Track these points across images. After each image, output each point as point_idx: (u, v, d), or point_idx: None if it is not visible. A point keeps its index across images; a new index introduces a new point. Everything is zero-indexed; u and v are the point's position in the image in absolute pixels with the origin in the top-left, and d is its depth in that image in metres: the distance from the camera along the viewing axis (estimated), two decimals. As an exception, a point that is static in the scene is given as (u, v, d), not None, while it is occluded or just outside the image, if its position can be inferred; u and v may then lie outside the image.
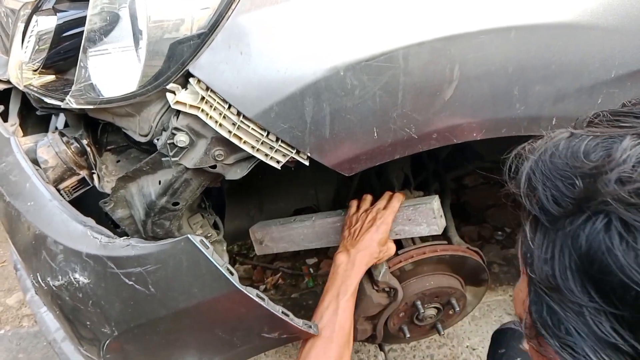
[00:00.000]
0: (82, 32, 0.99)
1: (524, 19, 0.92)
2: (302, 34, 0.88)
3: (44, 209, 1.06)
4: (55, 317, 1.20)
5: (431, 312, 1.48)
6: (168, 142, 0.95)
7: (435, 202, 1.31)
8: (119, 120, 1.04)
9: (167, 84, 0.90)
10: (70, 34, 1.14)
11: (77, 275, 0.99)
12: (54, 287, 1.03)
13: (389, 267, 1.36)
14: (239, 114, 0.89)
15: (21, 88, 1.18)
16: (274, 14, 0.88)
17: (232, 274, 0.93)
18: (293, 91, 0.88)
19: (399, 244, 1.39)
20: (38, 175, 1.11)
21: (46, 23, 1.19)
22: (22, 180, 1.11)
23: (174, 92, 0.90)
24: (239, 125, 0.90)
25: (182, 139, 0.93)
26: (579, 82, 0.98)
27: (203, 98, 0.89)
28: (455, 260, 1.43)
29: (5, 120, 1.40)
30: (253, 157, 0.96)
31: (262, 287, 2.35)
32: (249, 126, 0.90)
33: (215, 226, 1.37)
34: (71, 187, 1.18)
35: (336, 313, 1.14)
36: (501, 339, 1.23)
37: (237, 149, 0.95)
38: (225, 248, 1.38)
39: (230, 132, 0.91)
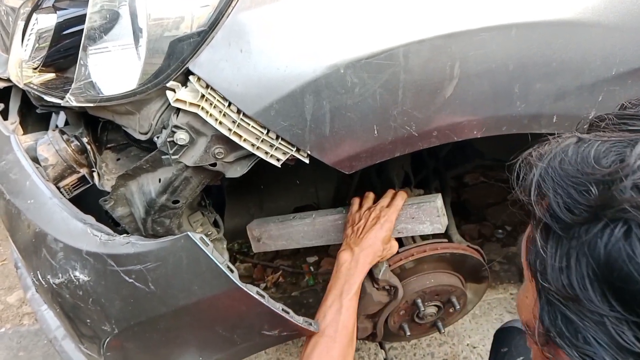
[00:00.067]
0: (82, 30, 0.99)
1: (525, 17, 0.91)
2: (302, 32, 0.88)
3: (44, 207, 1.06)
4: (55, 315, 1.20)
5: (432, 310, 1.48)
6: (168, 140, 0.95)
7: (438, 200, 1.31)
8: (119, 118, 1.04)
9: (167, 82, 0.90)
10: (70, 32, 1.14)
11: (77, 273, 0.99)
12: (54, 285, 1.03)
13: (390, 265, 1.36)
14: (239, 111, 0.89)
15: (21, 86, 1.18)
16: (274, 11, 0.88)
17: (232, 271, 0.93)
18: (293, 89, 0.88)
19: (399, 242, 1.39)
20: (38, 173, 1.11)
21: (46, 21, 1.18)
22: (23, 178, 1.11)
23: (174, 90, 0.90)
24: (239, 123, 0.90)
25: (182, 136, 0.93)
26: (579, 80, 0.98)
27: (203, 96, 0.88)
28: (455, 258, 1.43)
29: (6, 118, 1.40)
30: (253, 155, 0.96)
31: (263, 285, 2.35)
32: (249, 124, 0.90)
33: (215, 224, 1.37)
34: (71, 185, 1.18)
35: (339, 312, 1.13)
36: (504, 338, 1.23)
37: (237, 147, 0.94)
38: (225, 246, 1.38)
39: (230, 130, 0.91)
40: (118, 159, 1.25)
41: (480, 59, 0.92)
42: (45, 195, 1.07)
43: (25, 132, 1.39)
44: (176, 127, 0.93)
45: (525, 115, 0.99)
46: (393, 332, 1.51)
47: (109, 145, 1.29)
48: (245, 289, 0.94)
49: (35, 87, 1.14)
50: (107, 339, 1.04)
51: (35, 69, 1.17)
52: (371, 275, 1.33)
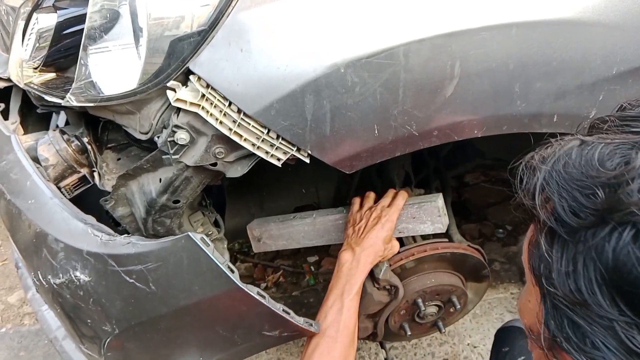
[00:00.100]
0: (83, 29, 0.99)
1: (525, 16, 0.91)
2: (302, 31, 0.88)
3: (45, 207, 1.06)
4: (56, 315, 1.20)
5: (432, 309, 1.48)
6: (168, 139, 0.95)
7: (439, 200, 1.31)
8: (119, 118, 1.04)
9: (168, 82, 0.90)
10: (70, 32, 1.14)
11: (77, 273, 0.99)
12: (55, 285, 1.03)
13: (390, 265, 1.36)
14: (239, 111, 0.89)
15: (22, 86, 1.18)
16: (274, 11, 0.88)
17: (232, 271, 0.93)
18: (293, 88, 0.88)
19: (400, 242, 1.39)
20: (39, 173, 1.11)
21: (46, 21, 1.18)
22: (23, 178, 1.11)
23: (174, 90, 0.90)
24: (239, 122, 0.90)
25: (182, 136, 0.93)
26: (580, 79, 0.98)
27: (203, 95, 0.88)
28: (456, 257, 1.43)
29: (6, 118, 1.40)
30: (253, 154, 0.95)
31: (263, 285, 2.35)
32: (249, 124, 0.90)
33: (216, 224, 1.37)
34: (72, 185, 1.18)
35: (341, 312, 1.13)
36: (505, 338, 1.23)
37: (237, 147, 0.94)
38: (226, 246, 1.38)
39: (230, 129, 0.91)
40: (118, 159, 1.25)
41: (481, 58, 0.92)
42: (46, 195, 1.07)
43: (26, 132, 1.39)
44: (177, 126, 0.93)
45: (525, 114, 0.99)
46: (394, 331, 1.51)
47: (109, 145, 1.29)
48: (246, 290, 0.94)
49: (35, 87, 1.14)
50: (108, 339, 1.04)
51: (35, 68, 1.17)
52: (372, 274, 1.33)
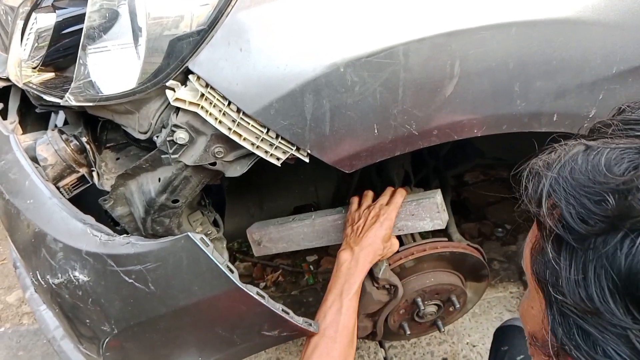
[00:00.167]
0: (82, 29, 0.99)
1: (525, 15, 0.91)
2: (302, 31, 0.88)
3: (44, 207, 1.06)
4: (54, 315, 1.20)
5: (431, 309, 1.48)
6: (168, 139, 0.94)
7: (438, 196, 1.30)
8: (118, 118, 1.03)
9: (167, 81, 0.90)
10: (69, 31, 1.13)
11: (76, 273, 0.98)
12: (53, 285, 1.03)
13: (390, 264, 1.36)
14: (238, 110, 0.89)
15: (20, 86, 1.18)
16: (274, 10, 0.88)
17: (232, 271, 0.93)
18: (293, 88, 0.88)
19: (399, 241, 1.39)
20: (37, 173, 1.11)
21: (45, 20, 1.18)
22: (22, 178, 1.11)
23: (173, 89, 0.90)
24: (238, 122, 0.90)
25: (181, 136, 0.93)
26: (580, 78, 0.97)
27: (203, 95, 0.88)
28: (455, 257, 1.43)
29: (5, 118, 1.40)
30: (253, 154, 0.95)
31: (262, 284, 2.35)
32: (248, 123, 0.90)
33: (215, 224, 1.36)
34: (71, 185, 1.17)
35: (340, 312, 1.13)
36: (504, 336, 1.23)
37: (236, 146, 0.94)
38: (225, 245, 1.37)
39: (230, 129, 0.91)
40: (117, 159, 1.25)
41: (481, 58, 0.92)
42: (45, 195, 1.07)
43: (25, 132, 1.39)
44: (176, 126, 0.93)
45: (525, 113, 0.99)
46: (393, 331, 1.51)
47: (108, 145, 1.28)
48: (245, 290, 0.94)
49: (34, 87, 1.13)
50: (107, 339, 1.04)
51: (34, 68, 1.17)
52: (371, 274, 1.33)
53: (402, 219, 1.33)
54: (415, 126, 0.96)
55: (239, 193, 1.62)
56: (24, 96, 1.39)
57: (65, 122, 1.40)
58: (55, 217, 1.03)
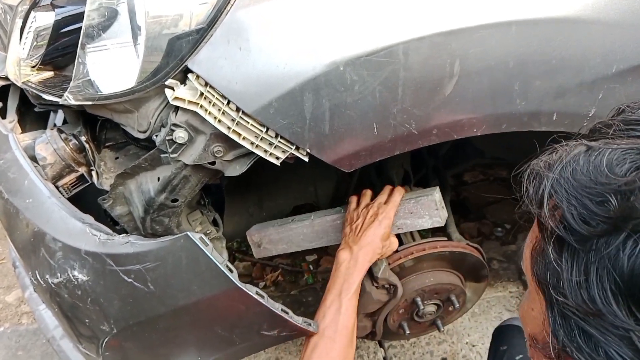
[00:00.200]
0: (81, 28, 0.98)
1: (525, 14, 0.91)
2: (301, 29, 0.88)
3: (43, 206, 1.06)
4: (54, 314, 1.20)
5: (431, 308, 1.48)
6: (167, 138, 0.94)
7: (436, 193, 1.30)
8: (117, 117, 1.03)
9: (166, 80, 0.90)
10: (68, 30, 1.13)
11: (75, 273, 0.98)
12: (52, 285, 1.03)
13: (389, 264, 1.36)
14: (238, 109, 0.89)
15: (19, 84, 1.18)
16: (273, 8, 0.87)
17: (231, 271, 0.93)
18: (292, 87, 0.88)
19: (399, 240, 1.39)
20: (36, 172, 1.11)
21: (44, 19, 1.18)
22: (21, 178, 1.11)
23: (172, 88, 0.90)
24: (238, 121, 0.90)
25: (181, 135, 0.93)
26: (579, 77, 0.97)
27: (202, 94, 0.88)
28: (455, 256, 1.43)
29: (4, 117, 1.40)
30: (252, 153, 0.95)
31: (262, 284, 2.35)
32: (248, 122, 0.90)
33: (214, 223, 1.36)
34: (70, 184, 1.17)
35: (339, 312, 1.12)
36: (503, 336, 1.23)
37: (236, 145, 0.94)
38: (224, 245, 1.37)
39: (229, 128, 0.90)
40: (117, 158, 1.25)
41: (480, 57, 0.92)
42: (44, 194, 1.07)
43: (24, 131, 1.39)
44: (175, 125, 0.93)
45: (525, 112, 0.99)
46: (392, 330, 1.51)
47: (107, 144, 1.28)
48: (245, 289, 0.94)
49: (33, 86, 1.13)
50: (106, 339, 1.04)
51: (33, 67, 1.17)
52: (370, 273, 1.33)
53: (400, 217, 1.33)
54: (415, 125, 0.96)
55: (239, 192, 1.62)
56: (23, 95, 1.39)
57: (65, 121, 1.39)
58: (54, 217, 1.03)
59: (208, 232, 1.31)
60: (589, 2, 0.93)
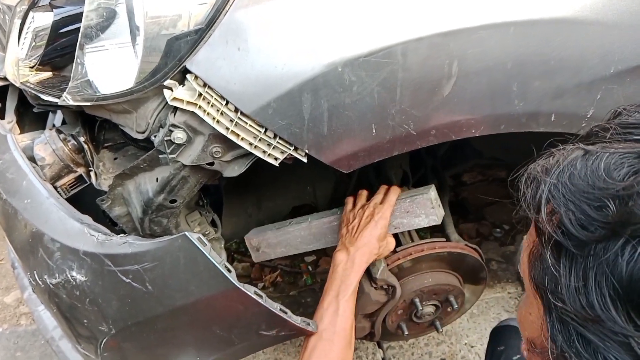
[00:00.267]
0: (79, 28, 0.98)
1: (524, 15, 0.91)
2: (300, 30, 0.88)
3: (41, 207, 1.06)
4: (52, 315, 1.20)
5: (429, 309, 1.48)
6: (165, 139, 0.94)
7: (432, 191, 1.29)
8: (116, 117, 1.03)
9: (164, 81, 0.90)
10: (67, 31, 1.13)
11: (74, 273, 0.98)
12: (51, 285, 1.03)
13: (387, 265, 1.36)
14: (236, 110, 0.89)
15: (18, 85, 1.18)
16: (272, 9, 0.87)
17: (229, 271, 0.93)
18: (291, 87, 0.88)
19: (397, 240, 1.39)
20: (35, 173, 1.11)
21: (43, 19, 1.18)
22: (19, 178, 1.11)
23: (171, 89, 0.90)
24: (236, 121, 0.90)
25: (179, 135, 0.93)
26: (578, 78, 0.97)
27: (200, 94, 0.88)
28: (453, 257, 1.43)
29: (2, 117, 1.40)
30: (251, 154, 0.95)
31: (261, 284, 2.34)
32: (246, 123, 0.90)
33: (213, 224, 1.36)
34: (68, 185, 1.17)
35: (337, 314, 1.12)
36: (500, 336, 1.23)
37: (234, 146, 0.94)
38: (223, 245, 1.37)
39: (227, 128, 0.90)
40: (115, 158, 1.25)
41: (479, 57, 0.92)
42: (42, 194, 1.07)
43: (22, 132, 1.39)
44: (173, 125, 0.93)
45: (523, 113, 0.99)
46: (391, 331, 1.51)
47: (106, 145, 1.28)
48: (243, 289, 0.94)
49: (32, 86, 1.13)
50: (105, 339, 1.04)
51: (32, 67, 1.16)
52: (369, 274, 1.33)
53: (397, 217, 1.32)
54: (413, 126, 0.96)
55: (237, 193, 1.62)
56: (21, 95, 1.39)
57: (63, 122, 1.40)
58: (52, 217, 1.03)
59: (206, 232, 1.31)
60: (588, 3, 0.93)
